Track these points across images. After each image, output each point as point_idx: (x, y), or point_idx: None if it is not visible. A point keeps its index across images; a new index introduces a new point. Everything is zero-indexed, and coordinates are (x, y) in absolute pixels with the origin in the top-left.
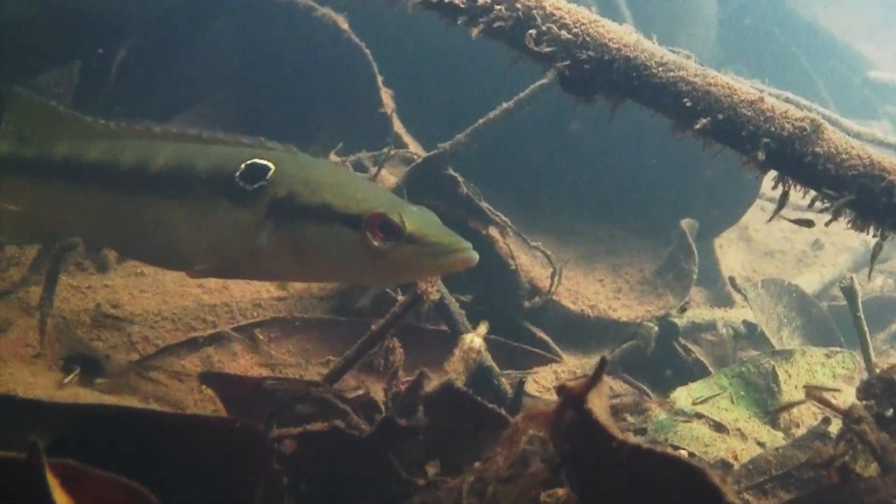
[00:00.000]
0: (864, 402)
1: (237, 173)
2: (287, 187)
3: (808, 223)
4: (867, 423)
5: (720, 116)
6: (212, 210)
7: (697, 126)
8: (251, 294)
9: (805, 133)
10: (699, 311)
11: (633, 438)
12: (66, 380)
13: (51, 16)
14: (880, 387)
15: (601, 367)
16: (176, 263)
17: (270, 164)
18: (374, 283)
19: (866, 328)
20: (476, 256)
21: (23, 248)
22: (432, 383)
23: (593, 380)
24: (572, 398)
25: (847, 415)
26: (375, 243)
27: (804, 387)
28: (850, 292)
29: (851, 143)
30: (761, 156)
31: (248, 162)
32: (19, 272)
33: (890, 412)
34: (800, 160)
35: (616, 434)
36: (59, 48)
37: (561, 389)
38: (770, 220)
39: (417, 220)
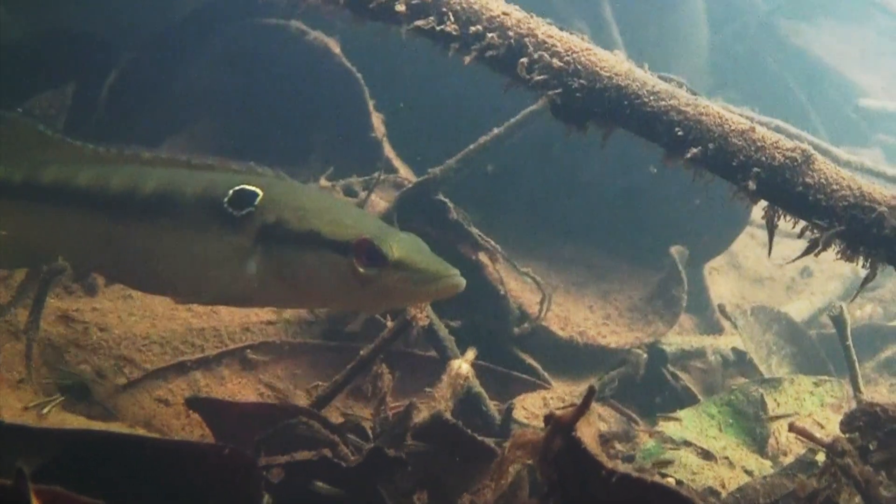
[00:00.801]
0: (847, 435)
1: (226, 199)
2: (275, 213)
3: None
4: (851, 456)
5: (711, 146)
6: (200, 236)
7: (688, 155)
8: (240, 318)
9: (796, 163)
10: (688, 339)
11: (621, 466)
12: (45, 410)
13: (43, 38)
14: (864, 419)
15: (589, 396)
16: (163, 289)
17: (259, 190)
18: (361, 308)
19: (855, 357)
20: (463, 283)
21: (10, 271)
22: (421, 413)
23: (581, 408)
24: (560, 427)
25: (831, 448)
26: (362, 269)
27: (788, 423)
28: (839, 321)
29: (842, 173)
30: (752, 185)
31: (237, 188)
32: (7, 296)
33: (873, 445)
34: (790, 190)
35: (605, 462)
36: (52, 70)
37: (549, 418)
38: (770, 253)
39: (404, 246)
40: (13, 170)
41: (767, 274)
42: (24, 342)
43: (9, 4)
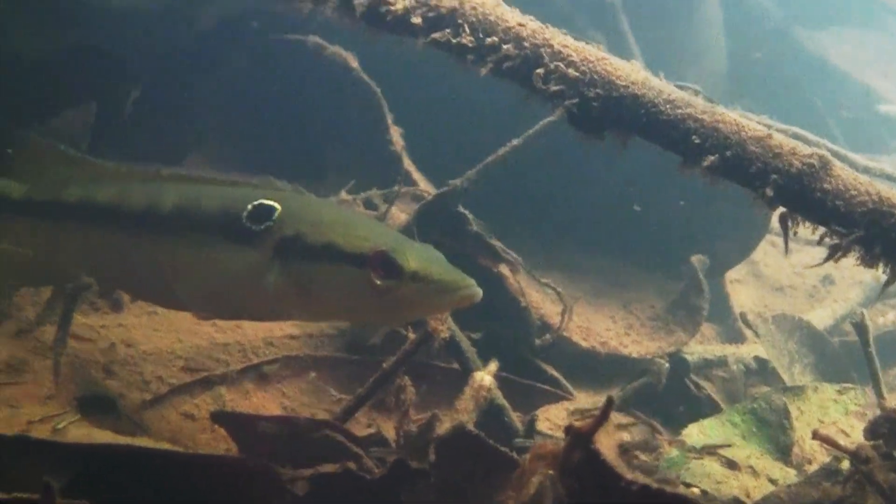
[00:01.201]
0: (871, 442)
1: (244, 214)
2: (293, 227)
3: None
4: (875, 463)
5: (728, 153)
6: (219, 251)
7: (706, 163)
8: (263, 332)
9: (813, 169)
10: (710, 347)
11: (641, 478)
12: (60, 425)
13: (65, 56)
14: (888, 427)
15: (608, 407)
16: (185, 305)
17: (277, 205)
18: (379, 321)
19: (878, 364)
20: (479, 293)
21: (37, 288)
22: (444, 425)
23: (600, 419)
24: (580, 438)
25: (855, 455)
26: (378, 281)
27: (812, 431)
28: (860, 328)
29: (860, 179)
30: (770, 192)
31: (255, 203)
32: (34, 312)
33: None
34: (808, 197)
35: (625, 474)
36: (74, 88)
37: (568, 429)
38: (787, 253)
39: (420, 257)
40: (37, 189)
41: (788, 282)
42: (52, 358)
43: (31, 22)
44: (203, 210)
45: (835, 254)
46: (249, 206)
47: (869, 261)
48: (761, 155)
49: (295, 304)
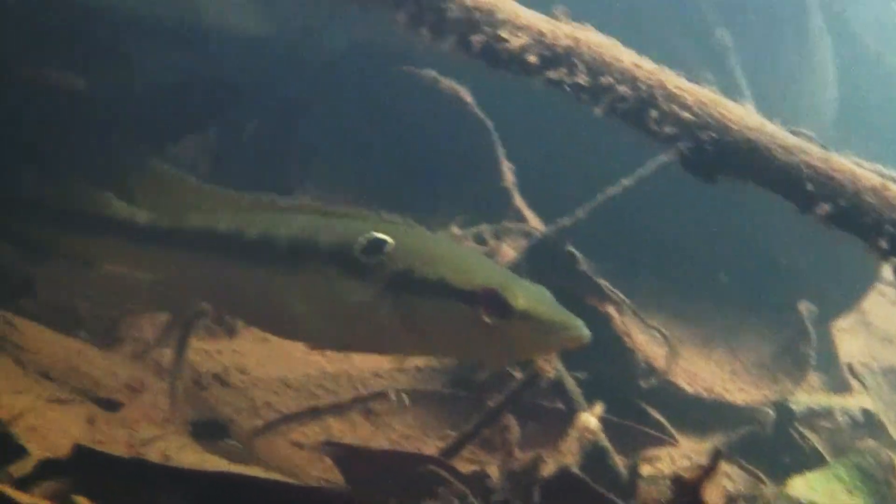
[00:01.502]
0: None
1: (357, 247)
2: (405, 262)
3: None
4: None
5: (842, 202)
6: (332, 283)
7: (819, 211)
8: (372, 364)
9: None
10: (816, 397)
11: None
12: (173, 449)
13: (187, 84)
14: None
15: (716, 459)
16: (296, 334)
17: (389, 239)
18: (487, 358)
19: None
20: (588, 335)
21: (155, 312)
22: (548, 466)
23: (708, 470)
24: (687, 488)
25: None
26: (488, 320)
27: None
28: None
29: None
30: (884, 244)
31: (368, 236)
32: (152, 336)
33: None
34: None
35: None
36: (195, 116)
37: (676, 479)
38: None
39: (530, 297)
40: (158, 215)
41: None
42: (168, 381)
43: (155, 50)
44: (317, 242)
45: None
46: (362, 240)
47: None
48: (876, 205)
49: (404, 338)
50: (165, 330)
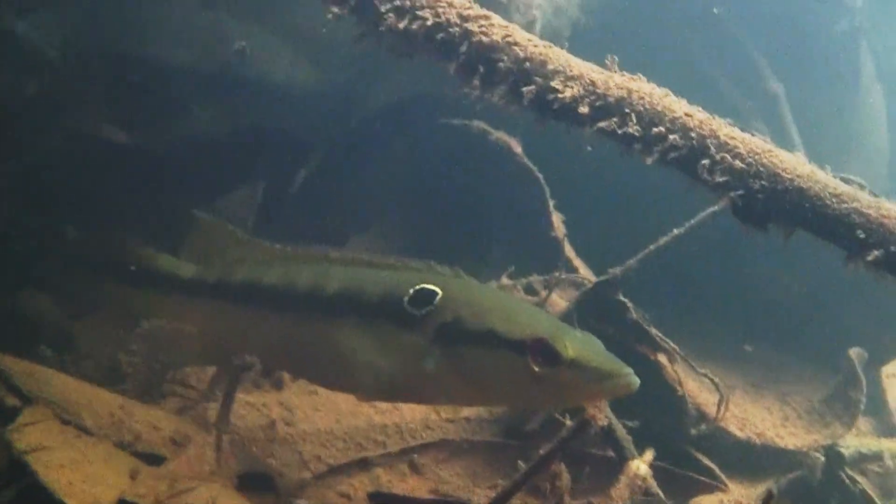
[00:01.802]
0: None
1: (406, 298)
2: (454, 312)
3: None
4: None
5: (893, 248)
6: (381, 335)
7: (870, 258)
8: (421, 415)
9: None
10: (866, 441)
11: None
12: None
13: (237, 134)
14: None
15: (769, 500)
16: (346, 386)
17: (438, 290)
18: (537, 406)
19: None
20: (637, 382)
21: (203, 366)
22: None
23: None
24: None
25: None
26: (537, 368)
27: None
28: None
29: None
30: None
31: (417, 287)
32: (198, 389)
33: None
34: None
35: None
36: (244, 167)
37: None
38: None
39: (579, 345)
40: (206, 269)
41: None
42: (214, 434)
43: (209, 101)
44: (366, 294)
45: None
46: (412, 291)
47: None
48: None
49: (454, 388)
50: (211, 384)
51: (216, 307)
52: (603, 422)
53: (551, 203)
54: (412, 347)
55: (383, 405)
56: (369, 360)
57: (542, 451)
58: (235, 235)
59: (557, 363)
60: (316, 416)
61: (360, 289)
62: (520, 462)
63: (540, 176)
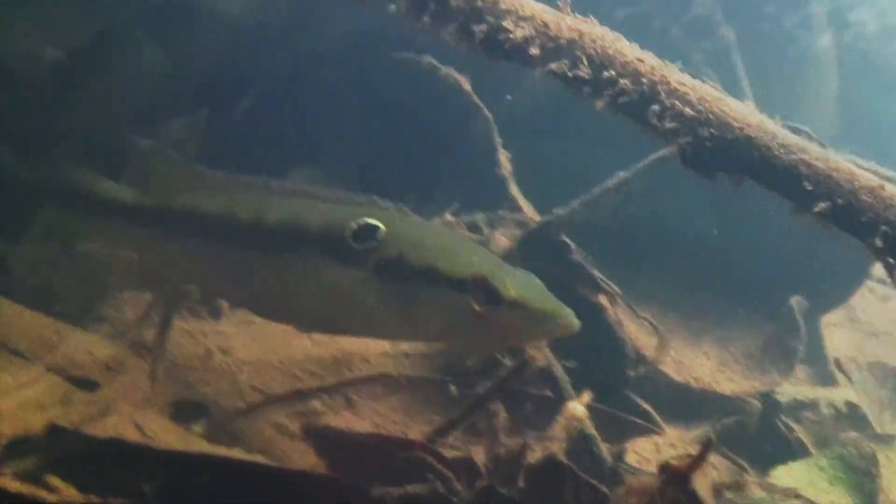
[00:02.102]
0: None
1: (348, 233)
2: (396, 248)
3: None
4: None
5: (840, 201)
6: (321, 268)
7: (816, 209)
8: (359, 349)
9: None
10: (802, 389)
11: None
12: (154, 430)
13: (179, 66)
14: None
15: (706, 448)
16: (285, 318)
17: (381, 225)
18: (476, 346)
19: None
20: (577, 324)
21: (139, 292)
22: (535, 453)
23: (698, 460)
24: (676, 477)
25: None
26: (478, 308)
27: None
28: None
29: None
30: (879, 243)
31: (360, 222)
32: (134, 316)
33: None
34: None
35: None
36: (186, 98)
37: (664, 467)
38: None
39: (520, 285)
40: (146, 195)
41: (885, 328)
42: (149, 361)
43: (147, 31)
44: (308, 227)
45: None
46: (354, 225)
47: None
48: (873, 205)
49: (393, 324)
50: (148, 310)
51: (155, 234)
52: (542, 362)
53: (498, 141)
54: (352, 282)
55: (321, 337)
56: (309, 293)
57: (479, 390)
58: (176, 163)
59: (497, 303)
60: (253, 346)
61: (302, 221)
62: (457, 399)
63: (488, 114)
